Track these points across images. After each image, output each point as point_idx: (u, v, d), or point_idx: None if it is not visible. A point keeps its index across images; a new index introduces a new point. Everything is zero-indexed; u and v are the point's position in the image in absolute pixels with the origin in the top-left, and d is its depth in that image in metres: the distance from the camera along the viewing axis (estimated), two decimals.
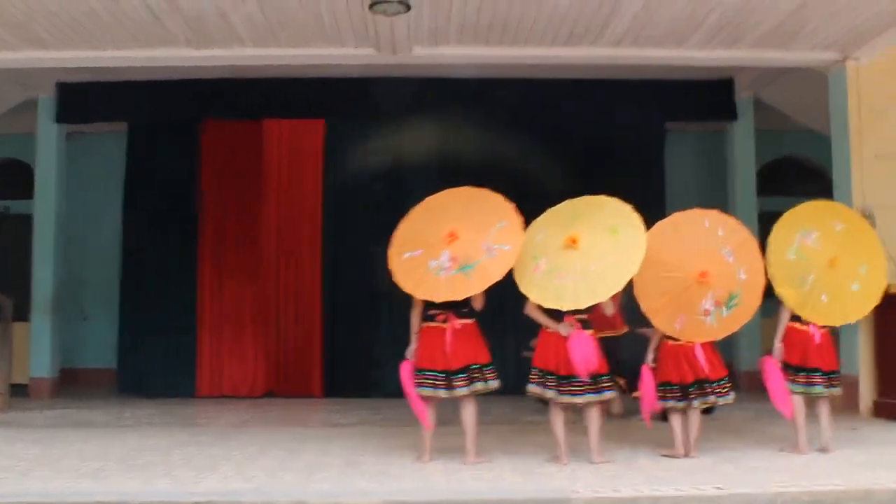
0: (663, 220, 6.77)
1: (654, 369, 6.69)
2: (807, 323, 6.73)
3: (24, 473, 6.05)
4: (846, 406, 9.06)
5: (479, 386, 6.42)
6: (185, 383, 11.68)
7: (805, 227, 6.77)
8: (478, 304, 6.47)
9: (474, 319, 6.53)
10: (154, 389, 11.55)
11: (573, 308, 6.22)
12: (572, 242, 6.23)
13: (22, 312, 11.34)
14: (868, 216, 8.91)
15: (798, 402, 6.74)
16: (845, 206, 7.21)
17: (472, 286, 6.26)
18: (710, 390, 6.55)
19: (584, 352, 6.23)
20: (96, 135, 12.92)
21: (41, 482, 5.74)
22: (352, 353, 11.63)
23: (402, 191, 10.73)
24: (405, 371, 6.53)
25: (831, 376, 6.81)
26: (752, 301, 6.56)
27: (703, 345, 6.57)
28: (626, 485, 5.54)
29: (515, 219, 6.38)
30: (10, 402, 10.20)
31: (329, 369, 11.73)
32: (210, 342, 11.80)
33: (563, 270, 6.21)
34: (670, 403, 6.59)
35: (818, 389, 6.74)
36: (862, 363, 9.00)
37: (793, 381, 6.72)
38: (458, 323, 6.41)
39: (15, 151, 13.15)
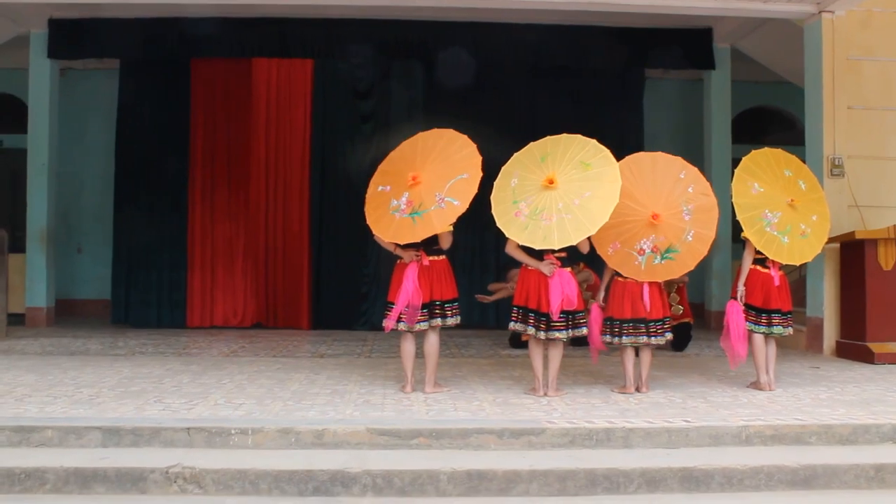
0: (646, 153, 6.89)
1: (603, 308, 6.86)
2: (768, 266, 6.93)
3: (21, 399, 6.16)
4: (810, 346, 9.46)
5: (437, 321, 6.58)
6: (176, 315, 11.96)
7: (759, 174, 6.92)
8: (444, 244, 6.59)
9: (444, 256, 6.67)
10: (146, 320, 11.84)
11: (564, 246, 6.23)
12: (550, 183, 6.30)
13: (18, 244, 11.58)
14: (838, 165, 9.23)
15: (758, 342, 6.95)
16: (787, 153, 7.29)
17: (416, 233, 6.37)
18: (643, 330, 6.69)
19: (566, 290, 6.35)
20: (89, 71, 12.98)
21: (37, 407, 5.85)
22: (338, 287, 11.85)
23: (389, 130, 10.88)
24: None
25: (789, 316, 7.05)
26: (686, 262, 6.68)
27: (650, 284, 6.70)
28: (600, 416, 5.71)
29: (476, 173, 6.42)
30: (7, 331, 10.40)
31: (316, 303, 11.98)
32: (201, 275, 12.02)
33: (547, 211, 6.25)
34: (606, 339, 6.79)
35: (779, 329, 6.95)
36: (826, 306, 9.27)
37: (755, 322, 6.92)
38: (427, 260, 6.56)
39: (8, 86, 13.20)
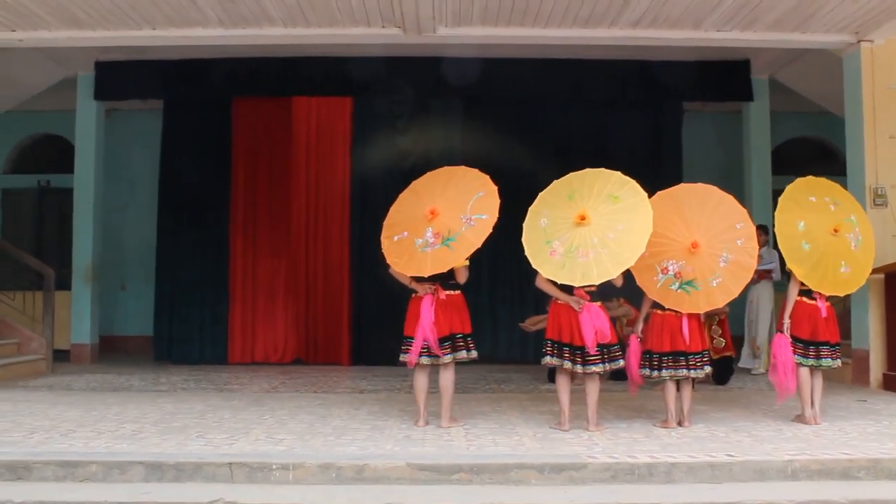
0: (719, 190, 6.82)
1: (641, 340, 6.82)
2: (814, 298, 6.82)
3: (66, 434, 6.24)
4: (857, 379, 9.30)
5: (462, 354, 6.58)
6: (217, 351, 12.09)
7: (798, 233, 6.75)
8: (461, 278, 6.59)
9: (460, 291, 6.68)
10: (188, 356, 11.98)
11: (603, 280, 6.24)
12: (581, 220, 6.26)
13: (63, 282, 11.78)
14: (881, 195, 9.12)
15: (804, 375, 6.82)
16: (830, 181, 7.18)
17: (455, 257, 6.38)
18: (683, 363, 6.63)
19: (596, 323, 6.32)
20: (133, 111, 13.25)
21: (82, 442, 5.92)
22: (378, 323, 11.81)
23: (428, 166, 10.83)
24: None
25: (837, 348, 6.93)
26: (699, 303, 6.60)
27: (689, 317, 6.64)
28: (642, 451, 5.65)
29: (491, 188, 6.49)
30: (52, 367, 10.65)
31: (356, 338, 12.06)
32: (242, 312, 12.16)
33: (583, 248, 6.21)
34: (645, 372, 6.73)
35: (827, 362, 6.84)
36: (872, 338, 9.13)
37: (803, 355, 6.79)
38: (444, 294, 6.56)
39: (56, 127, 13.54)
